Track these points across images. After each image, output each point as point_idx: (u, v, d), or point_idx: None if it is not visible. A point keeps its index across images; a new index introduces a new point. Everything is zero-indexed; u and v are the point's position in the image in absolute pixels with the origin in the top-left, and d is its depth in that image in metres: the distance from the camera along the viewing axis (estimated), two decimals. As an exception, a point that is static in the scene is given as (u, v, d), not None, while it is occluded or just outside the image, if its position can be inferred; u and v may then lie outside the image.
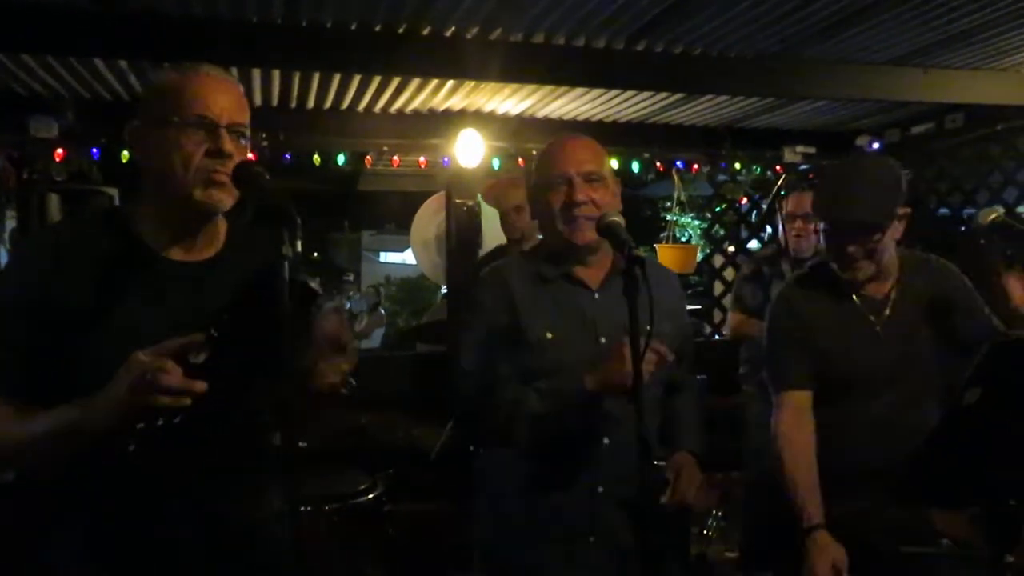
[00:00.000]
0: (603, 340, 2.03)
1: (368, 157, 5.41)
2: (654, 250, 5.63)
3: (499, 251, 4.14)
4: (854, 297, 2.20)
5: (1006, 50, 4.09)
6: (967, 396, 1.57)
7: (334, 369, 1.55)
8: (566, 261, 2.10)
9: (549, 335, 2.03)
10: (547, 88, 4.55)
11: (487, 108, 5.02)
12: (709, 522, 4.00)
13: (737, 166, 5.81)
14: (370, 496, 3.28)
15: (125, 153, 4.48)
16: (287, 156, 4.99)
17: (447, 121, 5.08)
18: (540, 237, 2.31)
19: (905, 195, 2.12)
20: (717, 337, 6.05)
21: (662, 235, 6.59)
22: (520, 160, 5.27)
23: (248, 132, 1.58)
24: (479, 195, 5.01)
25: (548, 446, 2.01)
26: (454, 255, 5.37)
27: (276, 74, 4.34)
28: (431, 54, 3.84)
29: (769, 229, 6.55)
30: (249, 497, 1.63)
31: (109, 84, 4.44)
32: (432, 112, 5.09)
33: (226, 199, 1.54)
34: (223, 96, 1.55)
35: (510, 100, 4.85)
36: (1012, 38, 3.90)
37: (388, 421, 3.94)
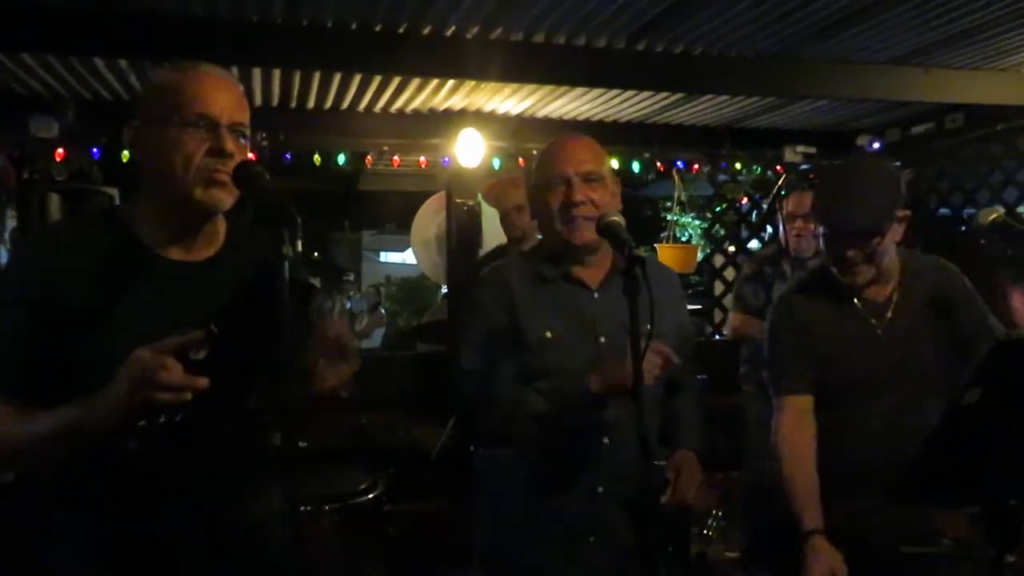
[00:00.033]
0: (603, 340, 2.03)
1: (368, 157, 5.41)
2: (654, 250, 5.63)
3: (499, 251, 4.14)
4: (855, 301, 2.19)
5: (1006, 50, 4.09)
6: (967, 396, 1.57)
7: (335, 372, 1.55)
8: (565, 261, 2.10)
9: (549, 335, 2.03)
10: (547, 88, 4.55)
11: (487, 108, 5.02)
12: (709, 522, 4.00)
13: (737, 166, 5.80)
14: (370, 496, 3.28)
15: (125, 153, 4.48)
16: (287, 156, 4.99)
17: (447, 121, 5.08)
18: (540, 237, 2.31)
19: (904, 197, 2.11)
20: (717, 337, 6.05)
21: (662, 235, 6.58)
22: (520, 160, 5.27)
23: (248, 131, 1.58)
24: (480, 195, 5.01)
25: (549, 446, 2.01)
26: (454, 255, 5.37)
27: (276, 74, 4.35)
28: (431, 54, 3.84)
29: (770, 229, 6.55)
30: (249, 497, 1.63)
31: (109, 84, 4.44)
32: (432, 112, 5.09)
33: (227, 198, 1.54)
34: (223, 95, 1.55)
35: (510, 100, 4.85)
36: (1012, 38, 3.90)
37: (388, 421, 3.94)
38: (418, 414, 3.96)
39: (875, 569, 2.06)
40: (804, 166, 5.78)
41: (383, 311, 11.29)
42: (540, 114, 5.22)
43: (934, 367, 2.12)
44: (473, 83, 4.43)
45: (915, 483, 1.70)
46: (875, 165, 2.33)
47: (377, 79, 4.41)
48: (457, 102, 4.88)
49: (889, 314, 2.17)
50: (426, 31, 3.76)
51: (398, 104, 4.94)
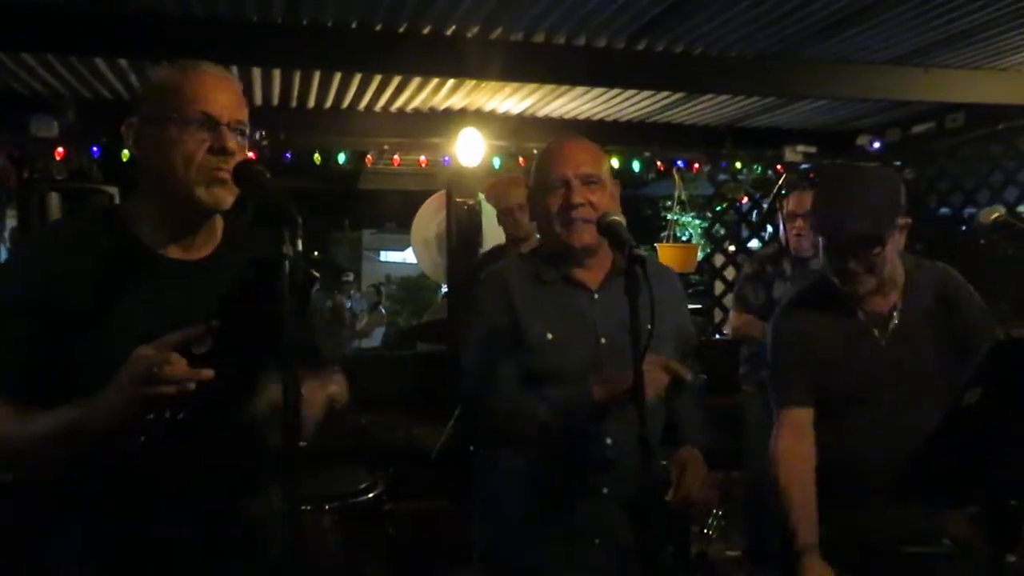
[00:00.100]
0: (603, 341, 2.03)
1: (369, 156, 5.41)
2: (655, 249, 5.63)
3: (497, 251, 4.13)
4: (857, 312, 2.16)
5: (1007, 49, 4.09)
6: (967, 396, 1.56)
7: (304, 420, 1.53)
8: (565, 263, 2.10)
9: (550, 336, 2.03)
10: (548, 87, 4.55)
11: (488, 107, 5.02)
12: (709, 521, 4.00)
13: (738, 165, 5.80)
14: (370, 495, 3.27)
15: (126, 152, 4.48)
16: (288, 155, 5.00)
17: (448, 120, 5.09)
18: (539, 237, 2.31)
19: (905, 206, 2.07)
20: (717, 337, 6.05)
21: (662, 234, 6.57)
22: (521, 159, 5.27)
23: (248, 130, 1.58)
24: (481, 194, 5.01)
25: (551, 449, 2.01)
26: (455, 254, 5.37)
27: (277, 73, 4.35)
28: (432, 53, 3.84)
29: (770, 228, 6.55)
30: (249, 497, 1.63)
31: (110, 83, 4.44)
32: (433, 111, 5.09)
33: (228, 197, 1.54)
34: (223, 94, 1.55)
35: (511, 99, 4.85)
36: (1013, 37, 3.90)
37: (388, 420, 3.94)
38: (418, 414, 3.96)
39: (875, 569, 2.06)
40: (804, 165, 5.78)
41: (383, 310, 11.29)
42: (540, 113, 5.22)
43: (939, 375, 2.09)
44: (473, 82, 4.43)
45: (915, 483, 1.70)
46: (874, 173, 2.31)
47: (377, 78, 4.42)
48: (457, 101, 4.88)
49: (892, 324, 2.13)
50: (426, 31, 3.76)
51: (398, 103, 4.95)
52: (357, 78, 4.42)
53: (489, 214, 4.96)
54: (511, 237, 3.92)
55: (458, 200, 5.36)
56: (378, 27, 3.71)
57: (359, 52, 3.79)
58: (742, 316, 4.08)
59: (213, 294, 1.41)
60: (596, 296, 2.08)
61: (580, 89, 4.61)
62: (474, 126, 5.00)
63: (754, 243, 6.70)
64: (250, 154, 1.60)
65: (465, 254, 5.29)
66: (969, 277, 2.22)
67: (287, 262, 1.29)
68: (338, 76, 4.38)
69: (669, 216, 6.75)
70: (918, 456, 1.64)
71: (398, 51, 3.80)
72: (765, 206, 6.29)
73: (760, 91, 4.57)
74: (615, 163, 5.29)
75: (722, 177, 6.03)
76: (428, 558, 3.81)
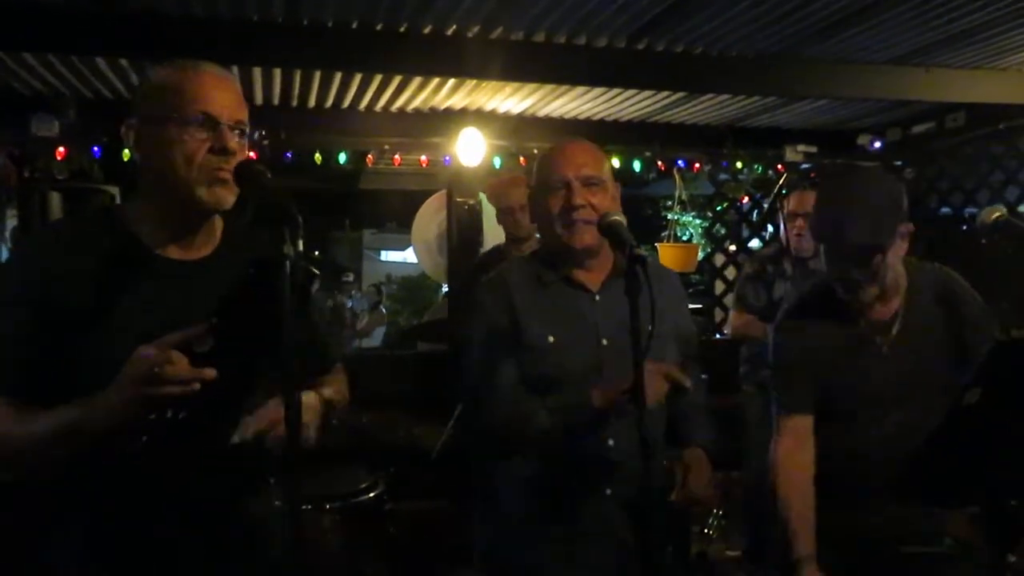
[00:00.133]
0: (604, 343, 2.03)
1: (369, 156, 5.41)
2: (655, 249, 5.63)
3: (497, 251, 4.13)
4: (860, 320, 2.14)
5: (1007, 49, 4.09)
6: (967, 396, 1.56)
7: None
8: (565, 264, 2.10)
9: (551, 338, 2.03)
10: (548, 87, 4.55)
11: (488, 107, 5.02)
12: (710, 521, 4.01)
13: (738, 165, 5.80)
14: (371, 495, 3.27)
15: (127, 152, 4.48)
16: (288, 155, 5.00)
17: (448, 120, 5.09)
18: (539, 238, 2.31)
19: (906, 213, 2.05)
20: (718, 337, 6.05)
21: (663, 234, 6.58)
22: (521, 159, 5.27)
23: (248, 129, 1.58)
24: (481, 194, 5.01)
25: (554, 451, 2.01)
26: (455, 254, 5.38)
27: (277, 73, 4.35)
28: (432, 53, 3.84)
29: (771, 228, 6.55)
30: (249, 497, 1.63)
31: (110, 82, 4.44)
32: (433, 111, 5.09)
33: (229, 197, 1.54)
34: (223, 93, 1.55)
35: (511, 99, 4.85)
36: (1013, 37, 3.90)
37: (389, 420, 3.94)
38: (418, 413, 3.96)
39: (875, 569, 2.06)
40: (805, 165, 5.78)
41: (383, 310, 11.30)
42: (541, 113, 5.22)
43: (942, 380, 2.07)
44: (474, 82, 4.43)
45: (915, 483, 1.70)
46: (875, 179, 2.28)
47: (378, 78, 4.42)
48: (458, 101, 4.88)
49: (895, 331, 2.11)
50: (427, 30, 3.76)
51: (399, 103, 4.95)
52: (358, 78, 4.42)
53: (490, 214, 4.96)
54: (511, 237, 3.92)
55: (459, 200, 5.36)
56: (379, 27, 3.71)
57: (360, 52, 3.79)
58: (742, 316, 4.08)
59: (213, 294, 1.41)
60: (597, 298, 2.08)
61: (580, 89, 4.61)
62: (475, 126, 5.00)
63: (755, 243, 6.70)
64: (251, 154, 1.60)
65: (466, 254, 5.29)
66: (970, 277, 2.21)
67: (288, 262, 1.29)
68: (339, 76, 4.38)
69: (670, 216, 6.75)
70: (918, 456, 1.64)
71: (399, 51, 3.80)
72: (766, 206, 6.29)
73: (760, 91, 4.57)
74: (616, 163, 5.29)
75: (723, 177, 6.02)
76: (428, 558, 3.81)
